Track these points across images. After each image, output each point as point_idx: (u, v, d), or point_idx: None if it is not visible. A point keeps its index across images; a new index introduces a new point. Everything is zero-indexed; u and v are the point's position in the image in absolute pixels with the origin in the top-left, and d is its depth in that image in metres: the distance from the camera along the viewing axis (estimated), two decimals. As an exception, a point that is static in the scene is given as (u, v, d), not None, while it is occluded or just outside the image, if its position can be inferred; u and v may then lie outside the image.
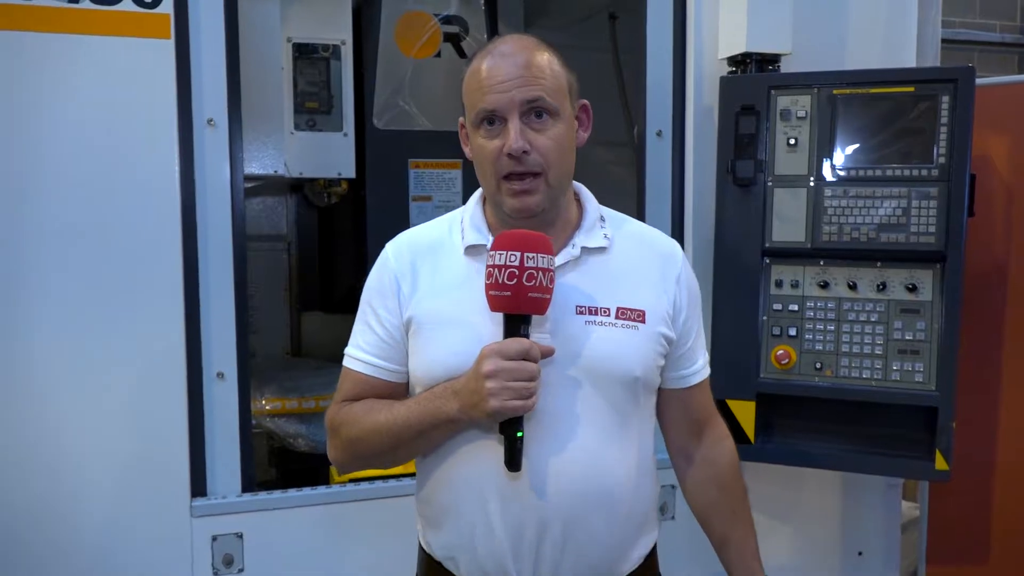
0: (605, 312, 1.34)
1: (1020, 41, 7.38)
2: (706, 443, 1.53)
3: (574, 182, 1.45)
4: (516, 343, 1.23)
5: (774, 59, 2.20)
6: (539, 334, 1.28)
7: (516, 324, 1.24)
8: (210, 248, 2.03)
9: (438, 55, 2.83)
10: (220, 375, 2.06)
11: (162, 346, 1.98)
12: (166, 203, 1.97)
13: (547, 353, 1.25)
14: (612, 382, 1.34)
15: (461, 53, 2.85)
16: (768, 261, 2.18)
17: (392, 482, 2.22)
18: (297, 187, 3.33)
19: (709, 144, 2.29)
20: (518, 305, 1.23)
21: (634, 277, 1.39)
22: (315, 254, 3.48)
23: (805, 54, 2.26)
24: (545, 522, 1.32)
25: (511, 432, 1.25)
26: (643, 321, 1.36)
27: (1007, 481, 2.49)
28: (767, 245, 2.16)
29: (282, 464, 2.82)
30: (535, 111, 1.30)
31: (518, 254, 1.22)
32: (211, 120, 2.01)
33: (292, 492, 2.13)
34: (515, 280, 1.22)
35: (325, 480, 2.44)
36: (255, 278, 3.41)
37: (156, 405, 1.99)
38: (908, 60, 2.46)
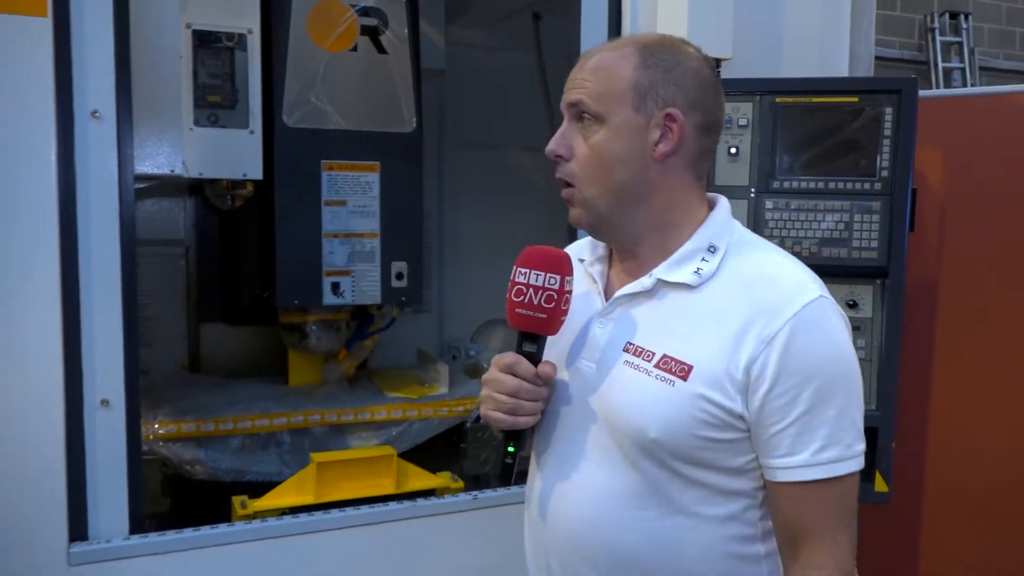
0: (648, 357, 1.17)
1: (919, 58, 7.64)
2: (796, 570, 1.16)
3: (717, 198, 1.25)
4: (506, 356, 1.19)
5: (714, 64, 2.10)
6: (551, 361, 1.21)
7: (521, 338, 1.20)
8: (93, 256, 1.79)
9: (354, 49, 2.63)
10: (105, 402, 1.82)
11: (36, 369, 1.73)
12: (41, 204, 1.72)
13: (543, 376, 1.18)
14: (625, 436, 1.17)
15: (379, 48, 2.66)
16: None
17: (303, 517, 2.02)
18: (197, 189, 3.06)
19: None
20: (511, 318, 1.19)
21: (702, 325, 1.15)
22: (216, 261, 3.21)
23: (742, 62, 2.17)
24: (548, 555, 1.26)
25: (506, 444, 1.21)
26: (684, 378, 1.13)
27: (937, 501, 2.46)
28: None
29: (178, 493, 2.56)
30: (580, 115, 1.19)
31: (518, 269, 1.18)
32: (96, 112, 1.77)
33: (188, 532, 1.90)
34: (512, 294, 1.19)
35: (226, 513, 2.22)
36: (149, 286, 3.14)
37: (28, 437, 1.74)
38: (842, 72, 2.41)
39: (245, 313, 3.04)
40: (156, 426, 2.50)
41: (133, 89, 1.85)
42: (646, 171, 1.17)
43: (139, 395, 1.89)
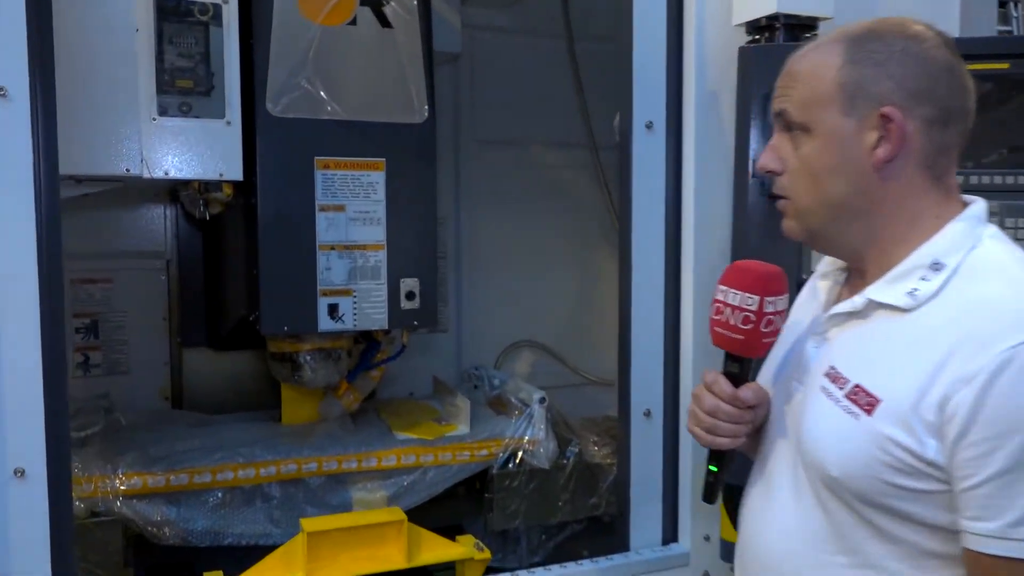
0: (842, 384, 1.07)
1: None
2: None
3: (973, 202, 1.09)
4: (706, 373, 1.19)
5: (810, 25, 1.65)
6: (758, 385, 1.19)
7: (726, 356, 1.18)
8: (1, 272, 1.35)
9: (353, 22, 2.19)
10: (19, 472, 1.37)
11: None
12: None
13: (742, 400, 1.15)
14: (812, 470, 1.09)
15: (384, 21, 2.22)
16: (804, 297, 1.61)
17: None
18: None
19: (717, 139, 1.72)
20: (712, 336, 1.17)
21: (903, 354, 1.02)
22: (199, 277, 2.78)
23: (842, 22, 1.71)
24: None
25: (708, 462, 1.22)
26: (869, 412, 1.02)
27: None
28: (804, 277, 1.59)
29: (141, 559, 2.12)
30: (788, 125, 1.11)
31: (719, 287, 1.15)
32: (2, 89, 1.33)
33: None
34: (712, 312, 1.16)
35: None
36: (125, 304, 2.74)
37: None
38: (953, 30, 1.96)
39: (232, 338, 2.59)
40: (117, 481, 2.06)
41: (69, 66, 1.43)
42: (864, 180, 1.07)
43: (67, 458, 1.45)
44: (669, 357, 1.96)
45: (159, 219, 2.81)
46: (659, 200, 1.83)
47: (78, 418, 2.24)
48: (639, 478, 2.02)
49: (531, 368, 3.22)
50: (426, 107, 2.25)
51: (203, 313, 2.78)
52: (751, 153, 1.59)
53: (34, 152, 1.35)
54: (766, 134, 1.54)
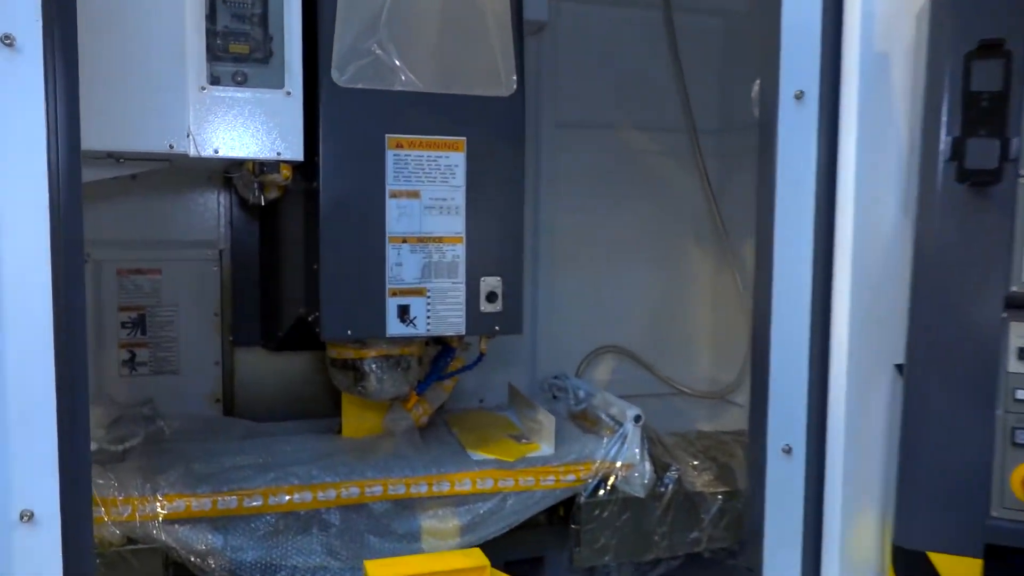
0: None
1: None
2: None
3: None
4: None
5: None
6: None
7: None
8: (5, 271, 1.08)
9: (434, -22, 1.89)
10: (26, 516, 1.11)
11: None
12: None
13: None
14: None
15: (468, -23, 1.91)
16: (1009, 316, 1.26)
17: None
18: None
19: (885, 111, 1.38)
20: None
21: None
22: (254, 270, 2.52)
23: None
24: None
25: None
26: None
27: None
28: (1013, 289, 1.24)
29: (184, 592, 1.87)
30: None
31: None
32: (8, 37, 1.06)
33: None
34: None
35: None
36: (175, 298, 2.49)
37: None
38: None
39: (288, 338, 2.33)
40: (157, 503, 1.81)
41: (99, 20, 1.16)
42: None
43: (86, 495, 1.19)
44: (815, 383, 1.61)
45: (212, 205, 2.56)
46: (808, 187, 1.49)
47: (116, 428, 2.00)
48: (775, 524, 1.69)
49: (611, 375, 2.91)
50: (514, 78, 1.95)
51: (256, 310, 2.53)
52: (942, 128, 1.25)
53: (48, 115, 1.08)
54: (974, 105, 1.21)
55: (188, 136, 1.63)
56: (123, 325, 2.49)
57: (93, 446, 1.82)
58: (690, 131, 2.75)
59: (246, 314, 2.53)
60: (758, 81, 1.58)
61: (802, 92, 1.49)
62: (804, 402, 1.60)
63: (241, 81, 1.79)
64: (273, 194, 1.97)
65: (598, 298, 2.83)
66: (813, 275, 1.53)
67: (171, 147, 1.62)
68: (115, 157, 1.81)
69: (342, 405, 2.23)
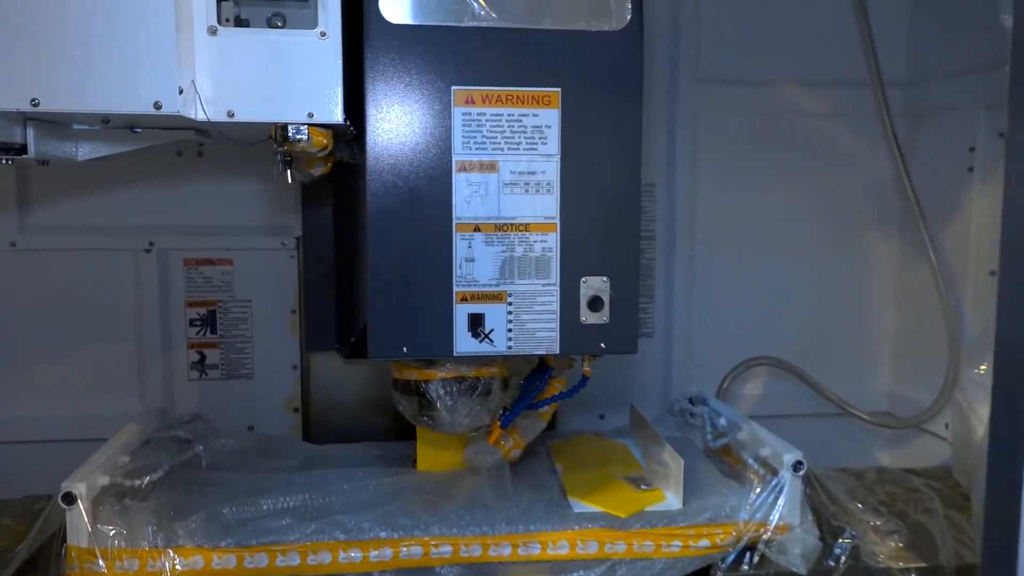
0: None
1: None
2: None
3: None
4: None
5: None
6: None
7: None
8: None
9: None
10: None
11: None
12: None
13: None
14: None
15: None
16: None
17: None
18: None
19: None
20: None
21: None
22: (328, 262, 2.14)
23: None
24: None
25: None
26: None
27: None
28: None
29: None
30: None
31: None
32: None
33: None
34: None
35: None
36: (246, 292, 2.18)
37: None
38: None
39: (360, 344, 1.92)
40: (167, 560, 1.44)
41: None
42: None
43: None
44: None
45: (288, 186, 2.20)
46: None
47: (142, 455, 1.66)
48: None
49: (763, 390, 2.36)
50: (628, 5, 1.42)
51: (332, 309, 2.15)
52: None
53: None
54: None
55: (180, 93, 1.22)
56: (191, 323, 2.19)
57: (104, 480, 1.49)
58: (874, 82, 2.14)
59: (319, 314, 2.16)
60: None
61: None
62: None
63: (271, 21, 1.37)
64: (319, 170, 1.55)
65: (749, 297, 2.30)
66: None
67: (158, 107, 1.22)
68: (130, 126, 1.46)
69: (417, 432, 1.80)
